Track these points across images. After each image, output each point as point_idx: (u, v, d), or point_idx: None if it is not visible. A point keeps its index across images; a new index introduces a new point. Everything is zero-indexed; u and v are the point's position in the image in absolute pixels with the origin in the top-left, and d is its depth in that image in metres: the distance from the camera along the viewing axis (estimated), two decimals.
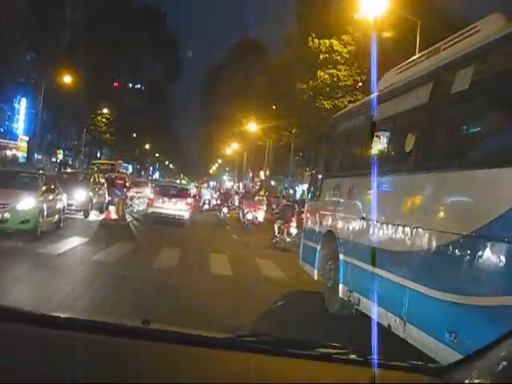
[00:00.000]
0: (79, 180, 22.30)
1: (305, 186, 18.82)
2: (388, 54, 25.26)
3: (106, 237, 15.84)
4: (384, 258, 6.45)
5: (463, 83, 5.36)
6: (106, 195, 24.17)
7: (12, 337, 1.70)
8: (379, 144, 7.56)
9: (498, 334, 1.70)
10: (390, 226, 6.49)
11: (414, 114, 6.73)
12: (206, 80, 73.85)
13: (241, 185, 68.06)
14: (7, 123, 49.99)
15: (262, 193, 36.70)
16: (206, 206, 36.23)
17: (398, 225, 6.23)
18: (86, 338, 1.75)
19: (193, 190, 37.85)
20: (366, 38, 25.45)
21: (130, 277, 9.86)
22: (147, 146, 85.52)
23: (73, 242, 13.52)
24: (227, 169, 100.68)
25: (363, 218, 7.51)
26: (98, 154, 66.64)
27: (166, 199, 23.51)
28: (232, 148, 70.67)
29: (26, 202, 12.96)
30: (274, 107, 41.67)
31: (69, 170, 28.84)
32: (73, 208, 19.69)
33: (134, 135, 71.45)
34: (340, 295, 8.07)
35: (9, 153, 44.97)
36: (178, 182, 64.99)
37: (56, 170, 44.46)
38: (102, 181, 24.71)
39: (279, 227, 18.81)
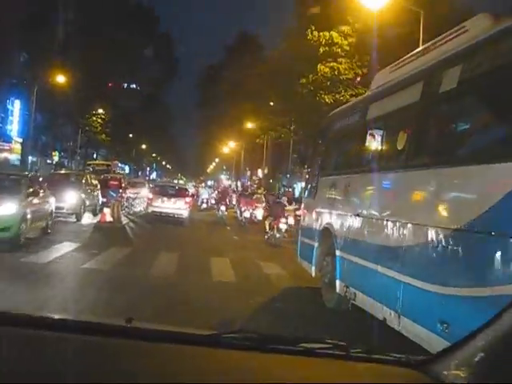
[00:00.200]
0: (71, 181, 21.01)
1: (303, 184, 18.20)
2: (390, 46, 24.41)
3: (100, 241, 14.79)
4: (378, 253, 6.62)
5: (451, 82, 5.49)
6: (100, 197, 23.00)
7: None
8: (373, 142, 7.69)
9: None
10: (384, 222, 6.62)
11: (406, 112, 6.82)
12: (203, 78, 72.47)
13: (239, 183, 66.97)
14: (0, 125, 48.81)
15: (260, 191, 36.76)
16: (204, 205, 36.39)
17: (392, 221, 6.38)
18: (67, 337, 1.73)
19: (191, 190, 37.48)
20: (366, 30, 24.55)
21: (124, 287, 8.78)
22: (144, 147, 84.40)
23: (62, 249, 12.44)
24: (224, 167, 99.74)
25: (358, 215, 7.61)
26: (95, 155, 65.45)
27: (165, 199, 23.88)
28: (229, 147, 69.55)
29: (6, 208, 11.75)
30: (271, 104, 40.58)
31: (60, 171, 27.34)
32: (64, 211, 18.59)
33: (131, 135, 70.23)
34: (337, 290, 8.17)
35: (0, 155, 43.50)
36: (176, 181, 64.19)
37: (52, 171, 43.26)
38: (95, 182, 23.45)
39: (270, 224, 19.40)
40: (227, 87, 57.48)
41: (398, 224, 6.18)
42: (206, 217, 29.89)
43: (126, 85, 70.16)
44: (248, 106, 47.31)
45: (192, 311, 7.19)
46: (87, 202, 20.94)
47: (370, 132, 7.74)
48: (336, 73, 25.07)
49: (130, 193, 29.69)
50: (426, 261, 5.42)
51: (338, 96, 25.36)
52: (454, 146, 5.63)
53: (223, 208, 28.05)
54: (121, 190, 24.26)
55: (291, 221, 20.16)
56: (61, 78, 40.57)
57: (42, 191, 14.27)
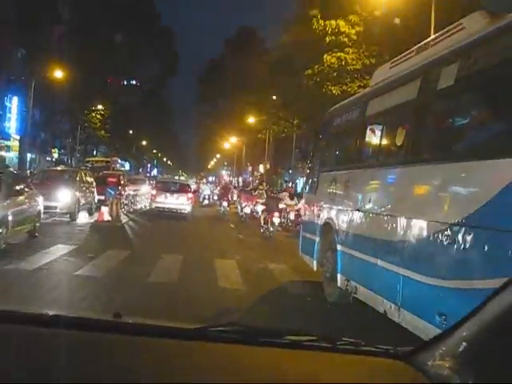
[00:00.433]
0: (64, 179, 19.34)
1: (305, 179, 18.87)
2: (398, 36, 23.26)
3: (96, 243, 13.63)
4: (379, 247, 6.69)
5: (448, 79, 5.54)
6: (96, 195, 21.63)
7: None
8: (373, 138, 7.95)
9: None
10: (383, 216, 6.71)
11: (405, 108, 6.86)
12: (203, 72, 71.07)
13: (240, 179, 65.77)
14: None
15: (261, 187, 35.63)
16: (206, 201, 36.57)
17: (392, 215, 6.45)
18: (55, 333, 1.69)
19: (193, 186, 36.58)
20: (374, 18, 23.35)
21: (121, 297, 7.60)
22: (144, 143, 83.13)
23: (54, 253, 11.24)
24: (225, 163, 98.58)
25: (359, 210, 7.64)
26: (95, 152, 64.11)
27: (168, 195, 24.40)
28: (230, 142, 68.15)
29: None
30: (274, 98, 39.40)
31: (52, 168, 25.81)
32: (57, 211, 17.34)
33: (131, 132, 68.97)
34: (338, 284, 8.22)
35: None
36: (177, 178, 63.21)
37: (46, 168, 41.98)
38: (91, 179, 21.98)
39: (264, 218, 20.07)
40: (228, 81, 56.30)
41: (397, 219, 6.26)
42: (208, 212, 29.87)
43: (125, 81, 68.99)
44: (249, 100, 46.15)
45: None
46: (82, 201, 19.56)
47: (369, 128, 8.03)
48: (343, 63, 23.75)
49: (130, 190, 28.67)
50: (425, 254, 5.53)
51: (345, 87, 24.05)
52: (451, 143, 5.74)
53: (225, 204, 28.05)
54: (120, 188, 23.01)
55: (292, 216, 20.71)
56: (59, 74, 39.36)
57: (27, 190, 12.97)
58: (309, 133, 32.17)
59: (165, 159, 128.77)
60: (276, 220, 19.67)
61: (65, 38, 45.29)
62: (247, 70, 49.61)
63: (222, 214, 27.29)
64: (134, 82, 72.26)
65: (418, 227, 5.70)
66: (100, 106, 52.88)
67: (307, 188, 11.64)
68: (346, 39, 23.97)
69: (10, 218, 11.08)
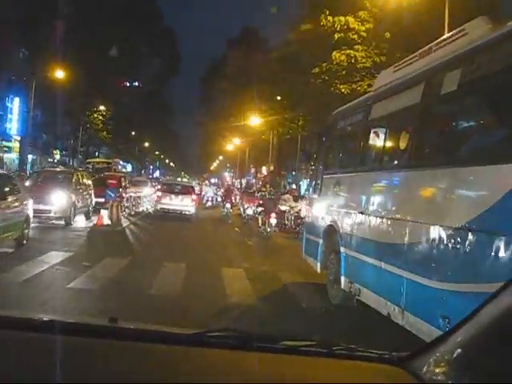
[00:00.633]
0: (59, 181, 17.92)
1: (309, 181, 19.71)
2: (410, 33, 22.23)
3: (93, 250, 12.59)
4: (382, 250, 6.66)
5: (451, 85, 5.57)
6: (93, 197, 20.36)
7: None
8: (376, 141, 8.00)
9: None
10: (387, 219, 6.71)
11: (408, 113, 6.88)
12: (206, 73, 70.02)
13: (243, 181, 64.68)
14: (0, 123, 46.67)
15: (264, 188, 37.75)
16: (210, 203, 36.75)
17: (395, 219, 6.48)
18: (51, 338, 1.66)
19: (196, 188, 35.81)
20: (384, 14, 22.31)
21: (118, 315, 6.45)
22: (146, 144, 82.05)
23: (45, 262, 10.19)
24: (228, 165, 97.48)
25: (362, 213, 7.60)
26: (97, 154, 63.01)
27: (173, 196, 24.69)
28: (233, 144, 66.89)
29: None
30: (278, 98, 38.33)
31: (46, 169, 24.33)
32: (51, 215, 16.06)
33: (133, 133, 67.92)
34: (342, 287, 8.18)
35: None
36: (179, 179, 62.31)
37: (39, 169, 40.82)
38: (88, 181, 20.58)
39: (262, 219, 20.67)
40: (230, 82, 55.26)
41: (401, 222, 6.28)
42: (212, 214, 29.85)
43: (127, 83, 67.98)
44: (253, 100, 45.11)
45: None
46: (79, 204, 18.15)
47: (373, 131, 8.03)
48: (353, 61, 22.67)
49: (131, 192, 27.64)
50: (429, 258, 5.51)
51: (354, 86, 22.97)
52: (454, 147, 5.71)
53: (228, 205, 27.92)
54: (121, 190, 21.92)
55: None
56: (60, 74, 38.41)
57: (14, 193, 11.69)
58: (314, 135, 31.16)
59: (167, 161, 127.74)
60: (273, 221, 19.79)
61: (66, 37, 44.35)
62: (250, 70, 48.64)
63: (225, 216, 27.16)
64: (136, 84, 71.26)
65: (422, 230, 5.68)
66: (102, 107, 51.84)
67: (311, 190, 11.59)
68: (356, 36, 22.91)
69: None
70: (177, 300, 7.89)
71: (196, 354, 1.74)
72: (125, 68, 56.51)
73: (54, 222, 16.37)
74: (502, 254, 4.32)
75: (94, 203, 20.03)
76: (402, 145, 6.88)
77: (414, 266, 5.75)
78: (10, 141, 47.98)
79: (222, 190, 37.95)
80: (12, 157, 47.73)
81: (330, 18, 22.87)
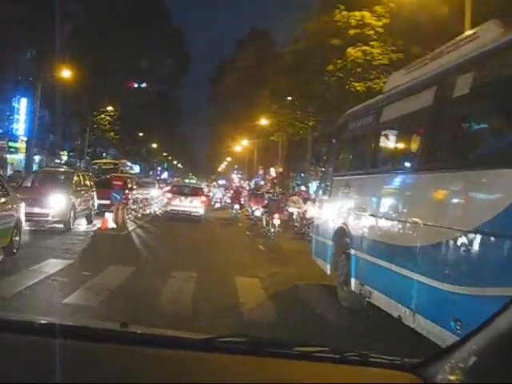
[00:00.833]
0: (58, 182, 16.56)
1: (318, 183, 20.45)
2: (427, 30, 21.18)
3: (95, 257, 11.57)
4: (393, 252, 6.64)
5: (464, 88, 5.51)
6: (95, 200, 19.07)
7: None
8: (387, 144, 7.95)
9: None
10: (398, 222, 6.71)
11: (419, 115, 6.83)
12: (214, 74, 68.87)
13: (252, 182, 63.60)
14: (6, 124, 45.80)
15: (273, 190, 37.06)
16: (218, 205, 37.05)
17: (407, 221, 6.41)
18: (64, 343, 1.64)
19: (205, 189, 35.57)
20: (401, 10, 21.24)
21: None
22: (154, 146, 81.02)
23: (41, 271, 9.19)
24: (236, 166, 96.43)
25: (373, 215, 7.58)
26: (104, 155, 62.04)
27: (182, 198, 24.96)
28: (242, 145, 65.83)
29: None
30: (289, 98, 37.31)
31: (44, 169, 23.01)
32: (49, 219, 14.84)
33: (141, 134, 66.89)
34: (352, 289, 8.13)
35: None
36: (187, 181, 61.48)
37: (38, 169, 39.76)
38: (90, 182, 19.15)
39: (266, 219, 21.10)
40: (239, 82, 54.24)
41: (412, 224, 6.22)
42: (220, 215, 29.66)
43: (136, 84, 67.10)
44: (262, 101, 44.07)
45: None
46: (80, 207, 16.80)
47: (384, 133, 7.97)
48: (369, 57, 21.62)
49: (138, 194, 26.70)
50: (441, 260, 5.45)
51: (370, 83, 21.90)
52: (466, 150, 5.72)
53: (237, 207, 28.71)
54: (127, 191, 20.88)
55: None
56: (67, 74, 37.56)
57: (3, 194, 10.54)
58: (323, 136, 30.15)
59: (175, 162, 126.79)
60: (276, 221, 20.03)
61: (73, 37, 43.53)
62: (259, 70, 47.64)
63: (233, 218, 27.64)
64: (144, 85, 70.35)
65: (434, 233, 5.63)
66: (109, 108, 50.89)
67: (320, 192, 11.55)
68: (372, 32, 21.88)
69: None
70: (187, 321, 6.82)
71: (208, 359, 1.71)
72: (133, 68, 55.57)
73: (53, 225, 15.27)
74: None
75: (96, 206, 18.85)
76: (414, 147, 6.82)
77: (425, 269, 5.72)
78: (17, 141, 47.14)
79: (231, 192, 37.99)
80: (19, 157, 46.86)
81: (344, 12, 21.88)
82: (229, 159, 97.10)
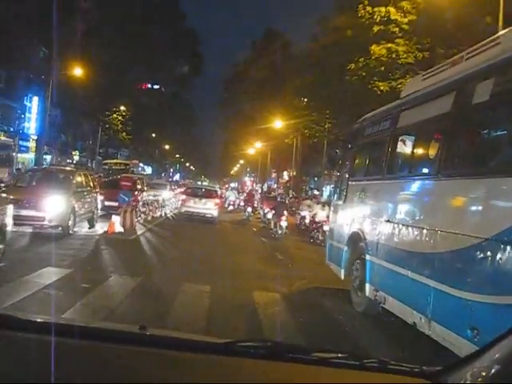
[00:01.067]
0: (57, 182, 14.51)
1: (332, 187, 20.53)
2: (454, 29, 19.98)
3: (97, 265, 10.36)
4: (409, 258, 6.57)
5: (484, 94, 5.42)
6: (99, 202, 17.56)
7: (10, 344, 1.65)
8: (404, 149, 8.03)
9: None
10: (415, 228, 6.57)
11: (438, 122, 6.77)
12: (228, 76, 67.62)
13: (265, 186, 62.42)
14: (17, 122, 45.02)
15: (287, 194, 38.68)
16: (231, 207, 36.73)
17: (424, 228, 6.31)
18: (83, 344, 1.68)
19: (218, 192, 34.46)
20: (429, 6, 19.99)
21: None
22: (167, 147, 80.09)
23: (34, 282, 7.99)
24: (248, 169, 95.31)
25: (389, 221, 7.48)
26: (118, 156, 61.10)
27: (196, 200, 25.11)
28: (255, 147, 64.56)
29: None
30: (305, 100, 36.17)
31: (43, 167, 21.41)
32: (45, 223, 13.16)
33: (153, 135, 65.96)
34: (366, 294, 8.05)
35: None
36: (199, 183, 60.53)
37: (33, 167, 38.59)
38: (93, 182, 17.24)
39: (274, 222, 21.91)
40: (254, 84, 53.13)
41: (430, 231, 6.12)
42: (233, 218, 29.52)
43: (149, 84, 66.16)
44: (278, 102, 42.93)
45: None
46: (81, 210, 15.07)
47: (401, 139, 8.01)
48: (393, 56, 20.34)
49: (149, 195, 25.62)
50: (458, 268, 5.38)
51: (394, 83, 20.63)
52: (485, 157, 5.64)
53: (249, 209, 29.46)
54: (136, 193, 19.71)
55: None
56: (78, 72, 36.60)
57: None
58: (339, 140, 29.03)
59: (187, 164, 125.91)
60: (283, 223, 20.59)
61: (87, 35, 42.69)
62: (274, 71, 46.55)
63: (246, 220, 28.28)
64: (157, 86, 69.44)
65: (452, 240, 5.53)
66: (122, 108, 49.96)
67: (335, 196, 11.41)
68: (397, 29, 20.60)
69: None
70: None
71: (227, 362, 1.71)
72: (146, 68, 54.68)
73: (50, 230, 13.66)
74: None
75: (99, 208, 17.52)
76: (431, 153, 6.82)
77: (442, 276, 5.64)
78: (28, 140, 46.36)
79: (245, 195, 38.42)
80: (30, 157, 46.02)
81: (369, 8, 20.63)
82: (242, 162, 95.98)
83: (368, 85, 21.33)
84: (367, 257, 8.16)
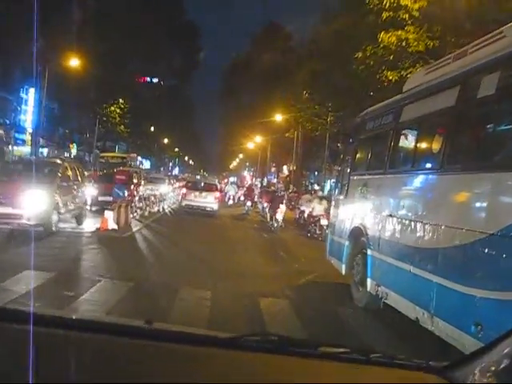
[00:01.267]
0: (40, 175, 12.64)
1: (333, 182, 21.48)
2: (465, 18, 18.84)
3: (84, 268, 9.26)
4: (412, 253, 6.50)
5: (489, 88, 5.36)
6: (87, 197, 16.14)
7: (16, 337, 1.60)
8: (407, 143, 8.04)
9: None
10: (418, 223, 6.49)
11: (441, 116, 6.72)
12: (227, 68, 66.25)
13: (264, 181, 61.30)
14: (13, 115, 43.86)
15: (288, 189, 38.34)
16: (231, 202, 36.56)
17: (427, 222, 6.24)
18: (89, 337, 1.66)
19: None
20: None
21: None
22: (166, 141, 78.85)
23: (10, 289, 6.88)
24: (247, 164, 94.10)
25: (391, 215, 7.42)
26: (116, 149, 59.84)
27: (197, 193, 25.45)
28: (254, 141, 63.27)
29: None
30: (307, 93, 35.04)
31: (24, 158, 19.84)
32: (23, 222, 11.46)
33: (152, 129, 64.70)
34: (368, 289, 8.00)
35: None
36: (198, 177, 59.61)
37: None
38: (81, 175, 15.66)
39: (270, 215, 22.36)
40: (254, 77, 51.98)
41: (433, 226, 6.04)
42: (233, 212, 29.29)
43: (148, 78, 64.97)
44: (278, 95, 41.79)
45: None
46: (67, 206, 13.43)
47: (404, 133, 8.06)
48: (404, 44, 19.15)
49: (147, 189, 24.53)
50: (462, 263, 5.34)
51: (403, 73, 19.44)
52: (489, 152, 5.55)
53: (249, 203, 29.69)
54: (132, 187, 18.53)
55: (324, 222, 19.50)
56: (75, 62, 35.40)
57: None
58: (339, 135, 27.99)
59: (186, 158, 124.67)
60: (279, 216, 21.04)
61: (84, 26, 41.49)
62: (275, 64, 45.42)
63: (245, 214, 28.32)
64: (155, 80, 68.26)
65: (455, 235, 5.45)
66: (120, 100, 48.74)
67: (337, 191, 11.39)
68: (407, 16, 19.38)
69: None
70: None
71: (233, 356, 1.70)
72: (145, 60, 53.53)
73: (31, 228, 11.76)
74: None
75: (93, 203, 16.29)
76: (435, 148, 6.74)
77: (445, 271, 5.57)
78: (25, 133, 45.23)
79: (244, 189, 37.80)
80: (27, 150, 44.87)
81: None
82: (241, 156, 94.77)
83: (376, 74, 20.16)
84: (369, 252, 8.11)
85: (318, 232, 19.66)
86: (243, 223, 24.29)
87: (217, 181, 37.82)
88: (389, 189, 7.95)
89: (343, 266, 9.43)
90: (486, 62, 5.63)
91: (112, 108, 47.84)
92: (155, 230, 16.48)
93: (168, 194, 29.13)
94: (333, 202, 11.76)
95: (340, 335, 6.67)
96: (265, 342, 1.77)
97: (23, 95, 45.57)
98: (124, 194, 16.48)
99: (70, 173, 14.29)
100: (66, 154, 50.95)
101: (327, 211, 19.56)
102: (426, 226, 6.22)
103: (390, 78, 19.52)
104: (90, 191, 18.65)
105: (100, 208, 17.25)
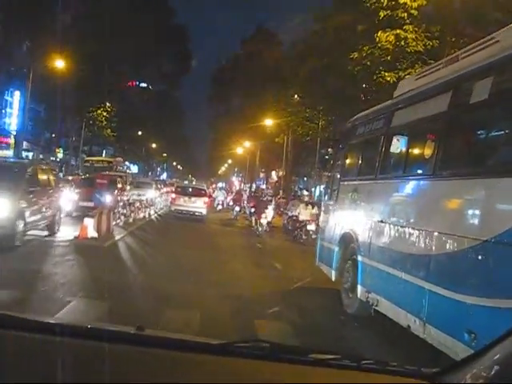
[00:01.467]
0: (5, 177, 10.86)
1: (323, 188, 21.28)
2: (463, 18, 17.99)
3: (54, 284, 7.96)
4: (403, 260, 6.43)
5: (482, 93, 5.30)
6: (60, 204, 14.28)
7: (7, 343, 1.59)
8: (398, 149, 7.80)
9: None
10: (409, 229, 6.45)
11: (433, 121, 6.67)
12: (217, 73, 64.97)
13: (254, 186, 60.23)
14: None
15: (278, 194, 38.28)
16: (220, 207, 36.35)
17: (418, 229, 6.20)
18: (80, 343, 1.64)
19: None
20: None
21: None
22: (154, 146, 77.48)
23: None
24: (236, 169, 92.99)
25: (382, 221, 7.36)
26: (104, 154, 58.36)
27: (186, 198, 25.69)
28: (243, 147, 62.11)
29: None
30: (296, 96, 34.11)
31: None
32: None
33: (140, 133, 63.32)
34: (358, 296, 7.91)
35: None
36: (186, 182, 58.44)
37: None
38: (53, 180, 13.80)
39: (255, 219, 22.71)
40: (243, 82, 50.95)
41: (423, 232, 6.01)
42: (222, 217, 29.68)
43: (136, 82, 63.70)
44: (268, 99, 40.74)
45: None
46: (35, 216, 11.80)
47: (395, 138, 7.80)
48: (402, 43, 18.20)
49: (133, 195, 23.30)
50: (454, 270, 5.25)
51: (401, 73, 18.51)
52: (481, 158, 5.48)
53: (237, 209, 30.29)
54: (116, 192, 17.26)
55: (312, 227, 19.54)
56: (61, 64, 34.12)
57: None
58: (330, 140, 27.16)
59: (174, 163, 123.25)
60: (263, 221, 21.67)
61: (71, 27, 40.23)
62: (265, 69, 44.43)
63: (233, 220, 28.77)
64: (144, 85, 67.02)
65: (447, 242, 5.40)
66: (107, 104, 47.38)
67: (327, 197, 11.34)
68: (405, 14, 18.45)
69: None
70: None
71: (224, 363, 1.68)
72: (133, 64, 52.28)
73: None
74: None
75: (69, 209, 14.86)
76: (426, 153, 6.63)
77: (437, 278, 5.46)
78: (9, 137, 43.77)
79: (233, 195, 38.06)
80: (10, 153, 43.42)
81: None
82: (230, 162, 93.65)
83: (373, 75, 19.17)
84: (359, 258, 8.02)
85: (304, 237, 19.72)
86: (231, 229, 24.45)
87: (205, 186, 36.67)
88: (380, 194, 7.86)
89: (333, 273, 9.34)
90: (479, 67, 5.54)
91: (99, 111, 46.41)
92: (139, 238, 15.23)
93: (155, 199, 27.90)
94: (323, 208, 11.63)
95: (330, 342, 6.49)
96: (256, 349, 1.75)
97: (8, 98, 44.20)
98: (105, 199, 15.20)
99: (39, 176, 12.61)
100: (52, 158, 49.57)
101: (313, 216, 19.42)
102: (418, 232, 6.14)
103: (388, 79, 18.59)
104: (70, 196, 17.37)
105: (81, 214, 15.95)
